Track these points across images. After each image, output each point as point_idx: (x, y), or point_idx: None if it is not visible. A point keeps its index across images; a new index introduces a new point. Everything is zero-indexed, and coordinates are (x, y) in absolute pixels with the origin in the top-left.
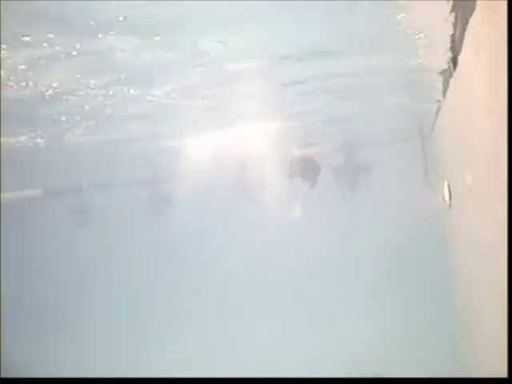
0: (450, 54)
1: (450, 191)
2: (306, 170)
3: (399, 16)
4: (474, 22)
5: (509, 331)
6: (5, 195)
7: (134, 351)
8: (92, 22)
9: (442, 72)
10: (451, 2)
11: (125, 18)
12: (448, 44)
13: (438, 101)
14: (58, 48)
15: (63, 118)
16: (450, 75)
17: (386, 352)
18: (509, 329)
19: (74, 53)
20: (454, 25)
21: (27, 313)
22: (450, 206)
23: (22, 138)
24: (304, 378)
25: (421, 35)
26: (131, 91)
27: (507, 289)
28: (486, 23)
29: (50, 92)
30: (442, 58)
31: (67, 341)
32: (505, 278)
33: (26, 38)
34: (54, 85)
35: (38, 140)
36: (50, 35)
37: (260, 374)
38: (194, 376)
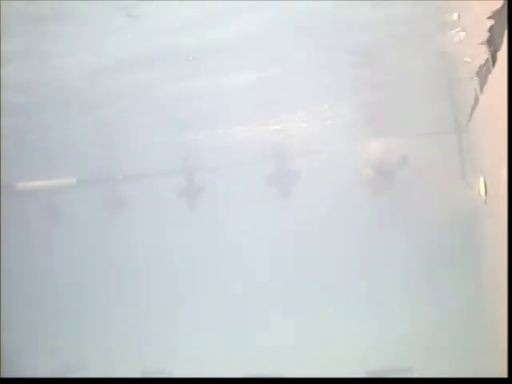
0: (489, 51)
1: (485, 186)
2: (383, 162)
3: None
4: None
5: (509, 331)
6: (38, 183)
7: (154, 351)
8: None
9: (480, 68)
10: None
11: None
12: (489, 40)
13: (475, 95)
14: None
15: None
16: (489, 71)
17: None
18: (509, 329)
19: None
20: (495, 22)
21: (44, 307)
22: (485, 201)
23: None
24: (304, 378)
25: (460, 30)
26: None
27: (507, 289)
28: None
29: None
30: (481, 54)
31: (91, 334)
32: None
33: None
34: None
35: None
36: None
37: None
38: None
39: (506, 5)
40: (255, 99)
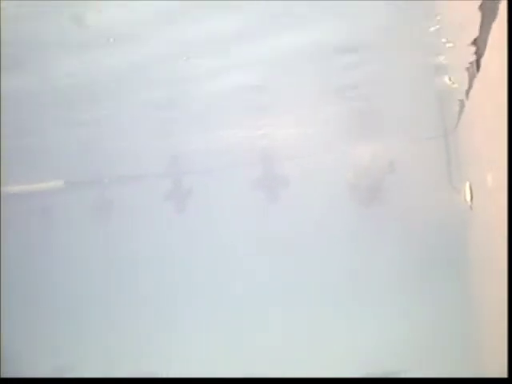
0: (473, 56)
1: (471, 192)
2: (371, 167)
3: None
4: (497, 25)
5: (509, 331)
6: (27, 187)
7: (153, 351)
8: None
9: (466, 72)
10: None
11: None
12: (472, 46)
13: (461, 100)
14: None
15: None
16: (474, 76)
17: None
18: (509, 329)
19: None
20: (480, 27)
21: (43, 307)
22: (471, 207)
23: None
24: (304, 378)
25: (446, 35)
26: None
27: (507, 288)
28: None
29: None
30: (466, 60)
31: (84, 339)
32: None
33: None
34: None
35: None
36: None
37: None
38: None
39: (506, 5)
40: (244, 103)
